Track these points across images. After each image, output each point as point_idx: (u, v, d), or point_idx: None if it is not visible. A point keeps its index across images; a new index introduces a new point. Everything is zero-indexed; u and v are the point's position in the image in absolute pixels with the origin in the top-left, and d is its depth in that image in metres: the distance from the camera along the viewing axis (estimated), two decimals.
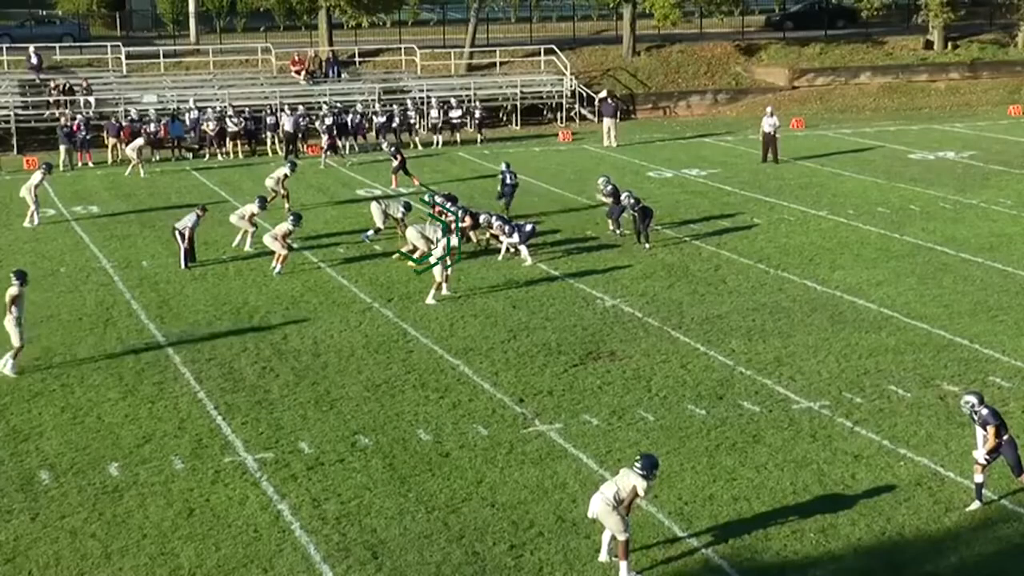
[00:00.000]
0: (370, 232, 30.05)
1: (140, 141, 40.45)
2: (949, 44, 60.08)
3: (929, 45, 60.18)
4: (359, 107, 46.50)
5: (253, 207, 29.06)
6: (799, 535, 15.17)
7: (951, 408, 19.08)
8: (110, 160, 42.03)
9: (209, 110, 45.11)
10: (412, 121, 46.96)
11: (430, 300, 24.66)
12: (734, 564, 14.53)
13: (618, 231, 30.33)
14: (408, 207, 29.94)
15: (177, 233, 28.09)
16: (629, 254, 28.72)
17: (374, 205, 30.57)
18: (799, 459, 17.34)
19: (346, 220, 32.91)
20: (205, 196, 35.82)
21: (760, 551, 14.83)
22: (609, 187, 30.88)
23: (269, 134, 44.82)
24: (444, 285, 24.97)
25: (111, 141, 42.66)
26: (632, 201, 29.49)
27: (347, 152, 44.58)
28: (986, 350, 21.76)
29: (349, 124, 45.14)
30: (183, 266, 27.79)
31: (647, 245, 29.09)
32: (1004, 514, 15.76)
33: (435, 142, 46.43)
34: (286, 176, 33.17)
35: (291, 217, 27.81)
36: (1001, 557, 14.80)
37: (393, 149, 37.83)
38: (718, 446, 17.82)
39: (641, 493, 14.22)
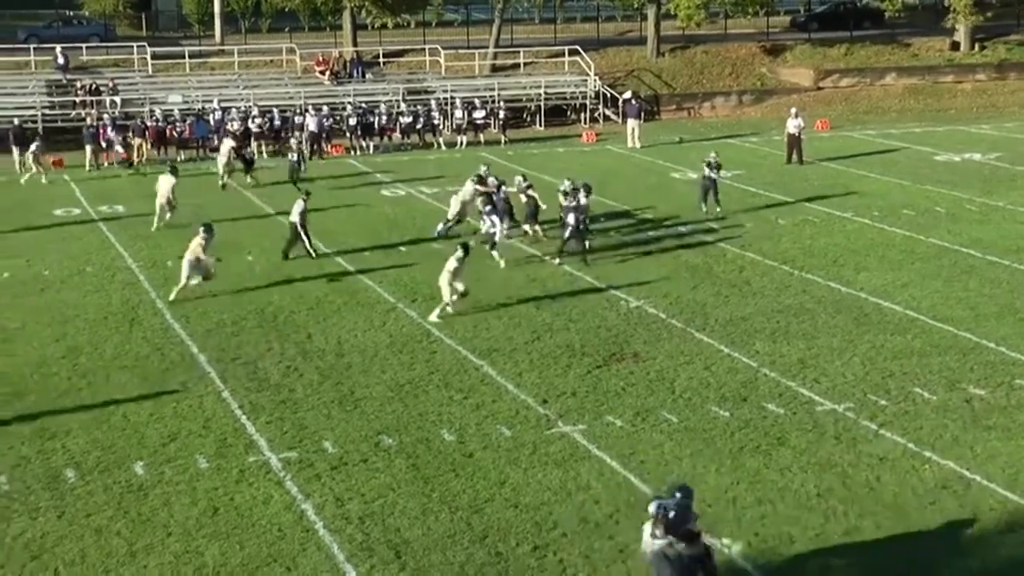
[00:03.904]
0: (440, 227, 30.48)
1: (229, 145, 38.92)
2: (976, 45, 59.80)
3: (955, 46, 59.92)
4: (382, 107, 46.58)
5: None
6: (823, 538, 15.11)
7: (977, 411, 19.00)
8: (136, 161, 42.16)
9: (234, 110, 45.25)
10: (436, 122, 47.02)
11: (433, 318, 23.67)
12: (758, 566, 14.49)
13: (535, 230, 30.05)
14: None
15: (298, 226, 28.29)
16: (653, 256, 28.67)
17: (454, 197, 30.93)
18: (823, 461, 17.27)
19: (369, 221, 32.95)
20: (230, 196, 35.95)
21: (784, 553, 14.78)
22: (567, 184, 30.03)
23: (297, 134, 44.87)
24: (449, 306, 23.89)
25: (136, 141, 42.81)
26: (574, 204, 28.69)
27: (371, 151, 44.69)
28: (1013, 353, 21.63)
29: (375, 125, 45.29)
30: (311, 256, 28.26)
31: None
32: None
33: (459, 143, 46.49)
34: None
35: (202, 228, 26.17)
36: None
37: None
38: (742, 448, 17.77)
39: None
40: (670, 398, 19.75)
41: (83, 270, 27.97)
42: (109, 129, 42.45)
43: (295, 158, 37.72)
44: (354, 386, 20.34)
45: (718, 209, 32.87)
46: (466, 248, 24.11)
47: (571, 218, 27.74)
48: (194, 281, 25.27)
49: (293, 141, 39.75)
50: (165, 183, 31.81)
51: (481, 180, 30.45)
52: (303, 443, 18.04)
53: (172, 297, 25.24)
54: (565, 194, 29.02)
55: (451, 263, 23.76)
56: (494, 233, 27.86)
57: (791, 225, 31.85)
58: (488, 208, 28.38)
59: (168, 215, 31.70)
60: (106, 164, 42.07)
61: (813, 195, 35.55)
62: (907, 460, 17.30)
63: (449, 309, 23.90)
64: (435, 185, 37.82)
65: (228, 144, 38.87)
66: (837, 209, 33.69)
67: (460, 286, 23.85)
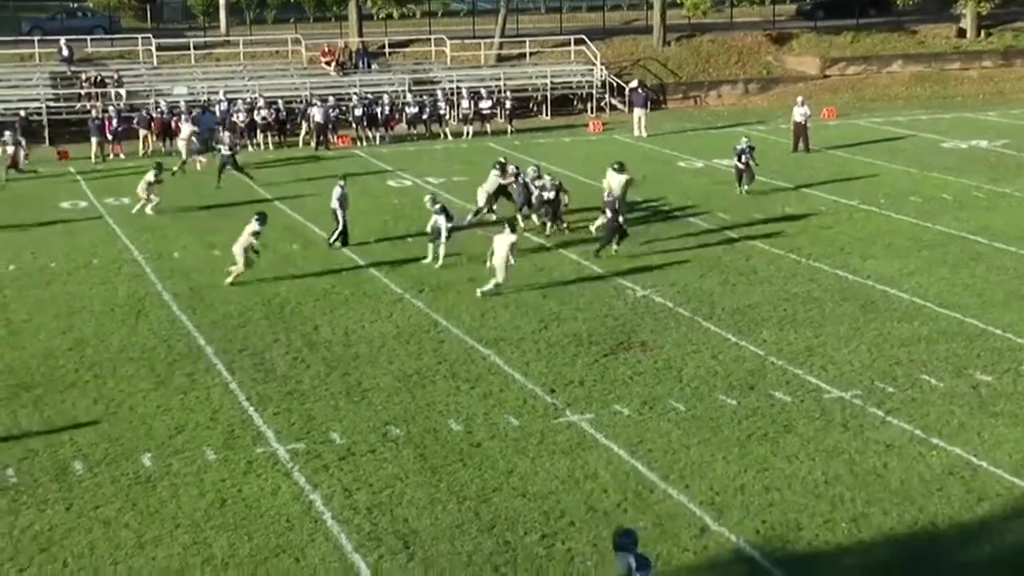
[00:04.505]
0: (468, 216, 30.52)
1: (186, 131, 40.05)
2: (982, 32, 59.62)
3: (962, 33, 59.73)
4: (385, 98, 46.52)
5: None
6: (831, 525, 15.11)
7: (984, 397, 18.98)
8: (141, 152, 42.22)
9: (239, 102, 45.24)
10: (442, 112, 46.99)
11: (488, 289, 24.47)
12: (765, 554, 14.49)
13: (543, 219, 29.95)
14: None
15: (337, 212, 28.51)
16: (660, 245, 28.65)
17: (480, 188, 30.94)
18: (831, 449, 17.26)
19: (375, 211, 32.93)
20: (236, 188, 35.96)
21: (792, 541, 14.78)
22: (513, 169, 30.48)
23: (304, 124, 44.90)
24: (499, 285, 24.47)
25: (143, 133, 42.86)
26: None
27: (377, 142, 44.70)
28: (1019, 339, 21.60)
29: (379, 115, 45.27)
30: (341, 245, 28.54)
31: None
32: None
33: (465, 133, 46.45)
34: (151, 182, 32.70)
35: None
36: None
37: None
38: (749, 436, 17.76)
39: None
40: (677, 387, 19.74)
41: (89, 262, 28.00)
42: (114, 121, 42.48)
43: (227, 152, 36.19)
44: (361, 377, 20.35)
45: (744, 190, 33.83)
46: (512, 226, 24.83)
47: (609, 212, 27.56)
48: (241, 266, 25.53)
49: (226, 135, 37.98)
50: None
51: (503, 169, 30.46)
52: (311, 434, 18.05)
53: (228, 281, 25.41)
54: (535, 179, 29.80)
55: (508, 239, 24.23)
56: (439, 231, 26.95)
57: (798, 213, 31.80)
58: (438, 207, 27.49)
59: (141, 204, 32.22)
60: (112, 157, 42.10)
61: (819, 183, 35.49)
62: (914, 447, 17.29)
63: (494, 287, 24.41)
64: (442, 175, 37.80)
65: (188, 128, 39.76)
66: (844, 197, 33.63)
67: (513, 262, 24.47)
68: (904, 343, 21.52)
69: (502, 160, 31.30)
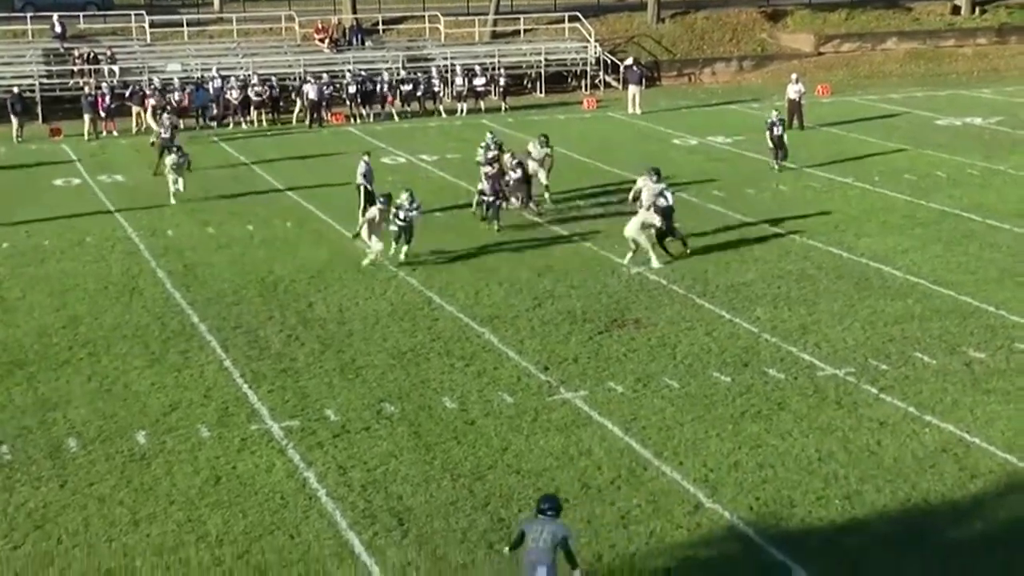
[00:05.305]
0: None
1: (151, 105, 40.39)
2: (977, 9, 59.51)
3: (956, 10, 59.63)
4: (385, 75, 46.39)
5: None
6: (824, 502, 15.14)
7: (977, 375, 19.01)
8: (134, 129, 42.09)
9: (233, 79, 45.07)
10: (436, 89, 46.87)
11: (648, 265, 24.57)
12: (759, 531, 14.51)
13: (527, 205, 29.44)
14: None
15: (362, 187, 28.33)
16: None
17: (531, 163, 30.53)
18: (824, 426, 17.29)
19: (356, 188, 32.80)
20: (229, 165, 35.88)
21: (785, 518, 14.81)
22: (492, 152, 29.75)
23: (298, 101, 44.73)
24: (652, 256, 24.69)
25: (135, 110, 42.70)
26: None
27: (371, 119, 44.59)
28: (1013, 316, 21.63)
29: (377, 92, 45.14)
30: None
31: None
32: None
33: (459, 110, 46.34)
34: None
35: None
36: None
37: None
38: (743, 413, 17.78)
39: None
40: (671, 364, 19.75)
41: (83, 240, 27.92)
42: (107, 98, 42.32)
43: (167, 134, 34.45)
44: (356, 354, 20.33)
45: (776, 166, 34.06)
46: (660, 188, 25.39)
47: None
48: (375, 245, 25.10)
49: (166, 117, 35.85)
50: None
51: (545, 141, 30.53)
52: (305, 411, 18.04)
53: (365, 263, 24.96)
54: (486, 148, 29.53)
55: (646, 216, 24.78)
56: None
57: (792, 191, 31.79)
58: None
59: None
60: (105, 134, 41.96)
61: (814, 161, 35.46)
62: (907, 424, 17.32)
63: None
64: (435, 153, 37.74)
65: (151, 102, 40.55)
66: (838, 174, 33.61)
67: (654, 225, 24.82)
68: (898, 320, 21.54)
69: (544, 136, 31.16)
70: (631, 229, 24.90)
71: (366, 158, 29.09)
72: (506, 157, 29.39)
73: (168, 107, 41.28)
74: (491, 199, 27.86)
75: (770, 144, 34.45)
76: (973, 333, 20.88)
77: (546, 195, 30.31)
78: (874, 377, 19.02)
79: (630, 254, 25.11)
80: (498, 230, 27.45)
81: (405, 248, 25.40)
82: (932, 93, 49.21)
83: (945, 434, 16.99)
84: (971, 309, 22.08)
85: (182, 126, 38.93)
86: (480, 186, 28.53)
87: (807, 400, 18.22)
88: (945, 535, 14.46)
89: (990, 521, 14.77)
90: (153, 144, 36.17)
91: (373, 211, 25.28)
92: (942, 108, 45.15)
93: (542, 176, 30.33)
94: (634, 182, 27.50)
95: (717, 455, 16.46)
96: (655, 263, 24.73)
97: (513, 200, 29.07)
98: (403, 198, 25.32)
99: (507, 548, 12.95)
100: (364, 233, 25.09)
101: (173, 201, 29.48)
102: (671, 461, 16.27)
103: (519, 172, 28.99)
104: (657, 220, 25.08)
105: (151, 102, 40.77)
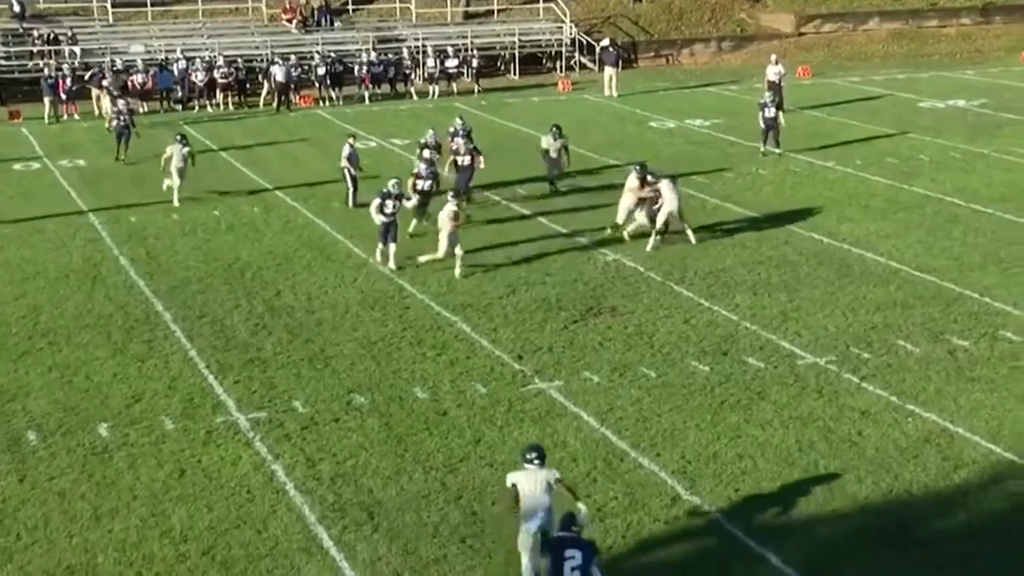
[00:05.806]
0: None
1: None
2: None
3: None
4: (363, 56, 45.85)
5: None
6: (805, 493, 14.88)
7: (960, 363, 18.73)
8: (96, 112, 41.41)
9: (198, 60, 44.37)
10: (407, 71, 46.38)
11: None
12: (738, 524, 14.22)
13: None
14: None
15: (347, 171, 28.14)
16: None
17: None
18: (805, 416, 17.00)
19: (339, 173, 32.29)
20: (196, 150, 35.26)
21: (765, 509, 14.53)
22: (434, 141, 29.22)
23: (265, 84, 44.16)
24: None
25: (96, 93, 41.99)
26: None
27: (340, 103, 44.07)
28: (997, 303, 21.37)
29: (347, 74, 44.65)
30: (352, 204, 28.11)
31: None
32: (1014, 470, 15.45)
33: (431, 92, 45.85)
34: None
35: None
36: (1011, 514, 14.50)
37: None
38: (722, 403, 17.47)
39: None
40: (648, 353, 19.41)
41: (43, 227, 27.36)
42: (68, 80, 41.59)
43: (123, 121, 33.83)
44: (324, 344, 19.93)
45: (777, 151, 33.36)
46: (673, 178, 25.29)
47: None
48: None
49: (121, 103, 35.16)
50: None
51: (558, 133, 29.77)
52: (272, 403, 17.67)
53: (423, 260, 23.78)
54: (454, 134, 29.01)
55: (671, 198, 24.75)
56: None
57: (772, 175, 31.50)
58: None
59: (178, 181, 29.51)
60: (66, 117, 41.28)
61: (794, 144, 35.11)
62: (890, 413, 17.05)
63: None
64: (407, 137, 37.25)
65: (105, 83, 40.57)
66: (819, 158, 33.33)
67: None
68: (880, 307, 21.25)
69: (554, 126, 30.40)
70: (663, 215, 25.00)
71: (351, 141, 28.86)
72: (460, 140, 28.78)
73: (126, 89, 40.71)
74: (427, 184, 26.40)
75: (761, 125, 33.77)
76: (956, 320, 20.60)
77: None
78: (856, 366, 18.72)
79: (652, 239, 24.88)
80: (411, 235, 25.54)
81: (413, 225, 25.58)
82: (914, 75, 48.99)
83: (928, 423, 16.72)
84: (954, 295, 21.80)
85: (142, 110, 38.22)
86: (416, 168, 26.97)
87: (787, 389, 17.91)
88: (928, 526, 14.21)
89: (974, 512, 14.54)
90: (109, 129, 35.35)
91: (408, 204, 24.82)
92: (925, 90, 44.95)
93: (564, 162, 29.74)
94: (605, 163, 26.97)
95: (695, 446, 16.16)
96: (692, 239, 25.01)
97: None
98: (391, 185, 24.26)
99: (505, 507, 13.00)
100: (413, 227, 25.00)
101: (176, 204, 28.68)
102: (648, 452, 15.97)
103: (469, 160, 28.22)
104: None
105: (105, 83, 40.32)
